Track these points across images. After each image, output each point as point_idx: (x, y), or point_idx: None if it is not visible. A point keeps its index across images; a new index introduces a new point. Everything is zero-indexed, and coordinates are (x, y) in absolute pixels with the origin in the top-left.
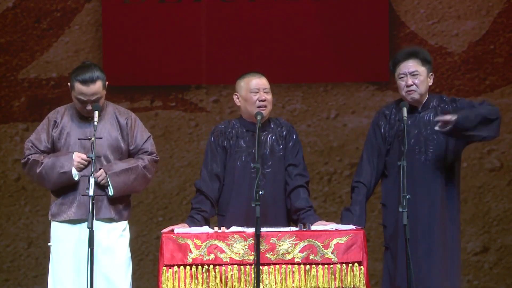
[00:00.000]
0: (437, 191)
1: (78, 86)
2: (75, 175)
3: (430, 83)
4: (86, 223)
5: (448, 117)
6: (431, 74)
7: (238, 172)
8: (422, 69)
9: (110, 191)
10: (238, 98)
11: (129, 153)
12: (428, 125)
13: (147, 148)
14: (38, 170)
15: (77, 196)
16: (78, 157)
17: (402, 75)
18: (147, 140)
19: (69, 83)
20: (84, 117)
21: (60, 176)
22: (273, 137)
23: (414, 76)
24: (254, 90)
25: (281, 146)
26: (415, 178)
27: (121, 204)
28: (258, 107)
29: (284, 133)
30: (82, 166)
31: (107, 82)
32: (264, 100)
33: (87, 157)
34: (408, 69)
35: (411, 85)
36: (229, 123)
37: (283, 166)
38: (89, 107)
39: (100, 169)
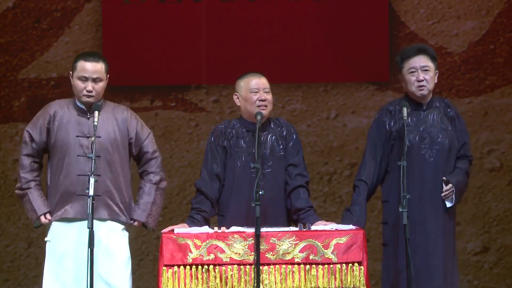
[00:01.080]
0: (440, 189)
1: (81, 63)
2: (35, 224)
3: (436, 81)
4: (85, 222)
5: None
6: (437, 72)
7: (238, 172)
8: (431, 65)
9: (151, 228)
10: (238, 98)
11: (131, 150)
12: (433, 123)
13: (148, 149)
14: (16, 191)
15: (73, 196)
16: (44, 219)
17: (413, 70)
18: (147, 137)
19: (70, 72)
20: (83, 114)
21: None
22: (273, 137)
23: (425, 71)
24: (254, 90)
25: (281, 146)
26: (419, 175)
27: (120, 204)
28: (258, 106)
29: (284, 133)
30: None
31: (108, 75)
32: (264, 100)
33: (88, 157)
34: (419, 63)
35: (422, 80)
36: (229, 123)
37: (283, 166)
38: (89, 87)
39: (132, 220)
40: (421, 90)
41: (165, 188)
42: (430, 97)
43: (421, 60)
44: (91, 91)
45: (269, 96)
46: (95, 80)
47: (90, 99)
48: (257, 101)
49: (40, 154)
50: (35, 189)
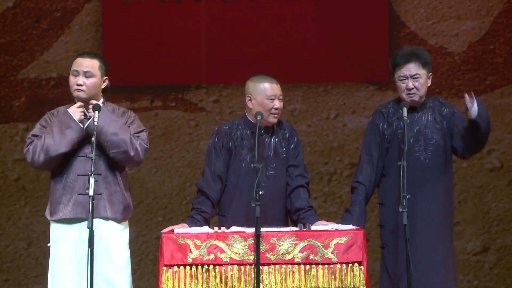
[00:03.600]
0: (436, 190)
1: (76, 59)
2: (80, 123)
3: (429, 84)
4: (85, 222)
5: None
6: (430, 75)
7: (242, 174)
8: (422, 72)
9: (94, 118)
10: (250, 100)
11: None
12: (427, 124)
13: (138, 136)
14: (43, 142)
15: (73, 195)
16: (76, 109)
17: (403, 78)
18: (140, 132)
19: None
20: (83, 116)
21: (69, 133)
22: (277, 139)
23: (415, 79)
24: (271, 96)
25: (284, 149)
26: (414, 177)
27: (120, 204)
28: (272, 113)
29: (287, 135)
30: (82, 114)
31: (107, 78)
32: (277, 108)
33: (87, 157)
34: (409, 71)
35: (412, 88)
36: (233, 123)
37: (286, 168)
38: (80, 81)
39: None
40: (411, 97)
41: (126, 148)
42: (423, 99)
43: (411, 68)
44: (81, 85)
45: (281, 104)
46: (86, 75)
47: (80, 94)
48: (272, 109)
49: None
50: None
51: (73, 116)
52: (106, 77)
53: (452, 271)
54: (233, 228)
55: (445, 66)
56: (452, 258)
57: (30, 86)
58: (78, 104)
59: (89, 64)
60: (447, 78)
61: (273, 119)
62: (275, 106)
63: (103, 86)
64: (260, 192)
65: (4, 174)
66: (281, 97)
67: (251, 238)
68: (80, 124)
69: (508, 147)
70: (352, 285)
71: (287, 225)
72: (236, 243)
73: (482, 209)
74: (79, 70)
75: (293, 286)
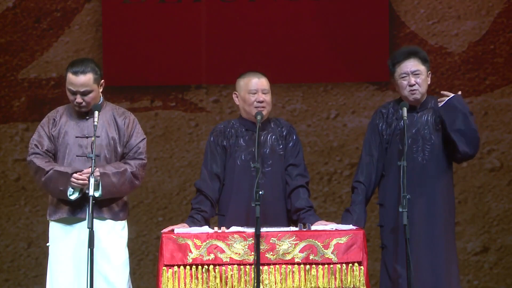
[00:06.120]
0: (434, 190)
1: (69, 76)
2: (70, 194)
3: (429, 82)
4: (83, 222)
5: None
6: (429, 73)
7: (238, 171)
8: (422, 68)
9: (99, 192)
10: (237, 97)
11: (122, 152)
12: (426, 125)
13: (135, 149)
14: (42, 179)
15: None
16: (76, 177)
17: (404, 75)
18: (141, 141)
19: None
20: (82, 116)
21: (60, 192)
22: (273, 136)
23: (416, 75)
24: (252, 91)
25: (281, 146)
26: (412, 178)
27: (117, 204)
28: (256, 107)
29: (285, 133)
30: (78, 186)
31: (103, 81)
32: (262, 102)
33: (88, 156)
34: (410, 68)
35: (414, 84)
36: (229, 123)
37: (283, 166)
38: (79, 99)
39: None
40: (413, 94)
41: (134, 184)
42: (424, 99)
43: (411, 65)
44: (80, 103)
45: (267, 98)
46: (83, 93)
47: (82, 109)
48: (255, 102)
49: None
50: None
51: (69, 183)
52: (102, 80)
53: (455, 271)
54: (233, 228)
55: (445, 66)
56: (454, 258)
57: (30, 86)
58: (80, 179)
59: (83, 82)
60: (447, 78)
61: (261, 112)
62: (258, 100)
63: (101, 90)
64: (260, 192)
65: (4, 174)
66: (265, 91)
67: (251, 238)
68: (71, 193)
69: (508, 147)
70: (352, 285)
71: (288, 223)
72: (236, 243)
73: (482, 209)
74: (76, 90)
75: (293, 286)
